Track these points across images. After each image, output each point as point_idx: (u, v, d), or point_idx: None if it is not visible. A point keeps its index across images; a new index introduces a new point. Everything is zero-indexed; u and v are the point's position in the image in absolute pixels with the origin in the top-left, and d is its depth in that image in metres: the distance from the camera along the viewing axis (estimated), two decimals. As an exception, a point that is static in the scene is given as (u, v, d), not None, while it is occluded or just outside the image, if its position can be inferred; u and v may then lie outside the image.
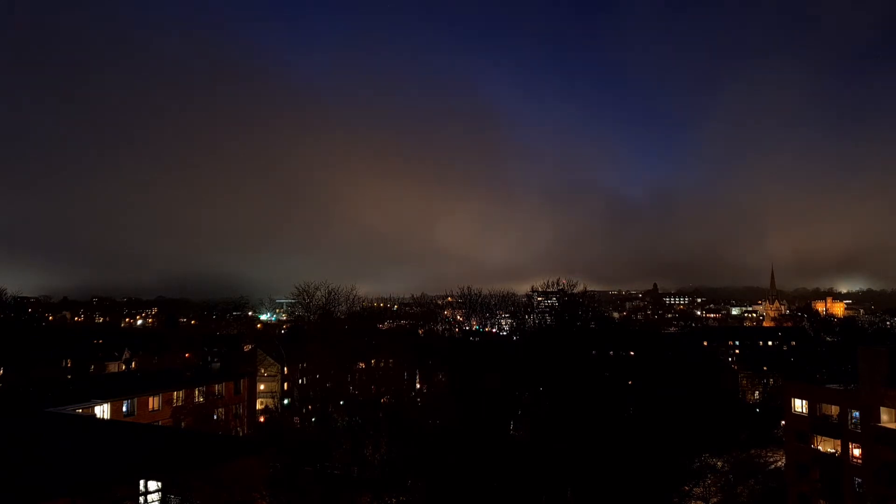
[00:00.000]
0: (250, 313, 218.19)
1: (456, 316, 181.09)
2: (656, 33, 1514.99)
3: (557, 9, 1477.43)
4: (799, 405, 72.31)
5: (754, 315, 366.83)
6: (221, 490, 30.79)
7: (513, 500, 50.11)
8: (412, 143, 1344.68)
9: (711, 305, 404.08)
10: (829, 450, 68.60)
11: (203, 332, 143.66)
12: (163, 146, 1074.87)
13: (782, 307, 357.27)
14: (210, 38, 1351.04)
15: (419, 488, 49.53)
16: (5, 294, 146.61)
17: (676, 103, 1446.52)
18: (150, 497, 32.24)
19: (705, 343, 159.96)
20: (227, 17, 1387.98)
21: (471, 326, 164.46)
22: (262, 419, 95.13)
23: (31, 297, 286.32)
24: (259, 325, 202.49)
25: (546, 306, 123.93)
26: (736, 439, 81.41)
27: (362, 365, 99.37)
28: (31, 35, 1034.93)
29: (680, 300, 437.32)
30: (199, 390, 79.84)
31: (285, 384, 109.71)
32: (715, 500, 67.90)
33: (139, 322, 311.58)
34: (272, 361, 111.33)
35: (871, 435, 62.33)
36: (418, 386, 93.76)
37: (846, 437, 66.02)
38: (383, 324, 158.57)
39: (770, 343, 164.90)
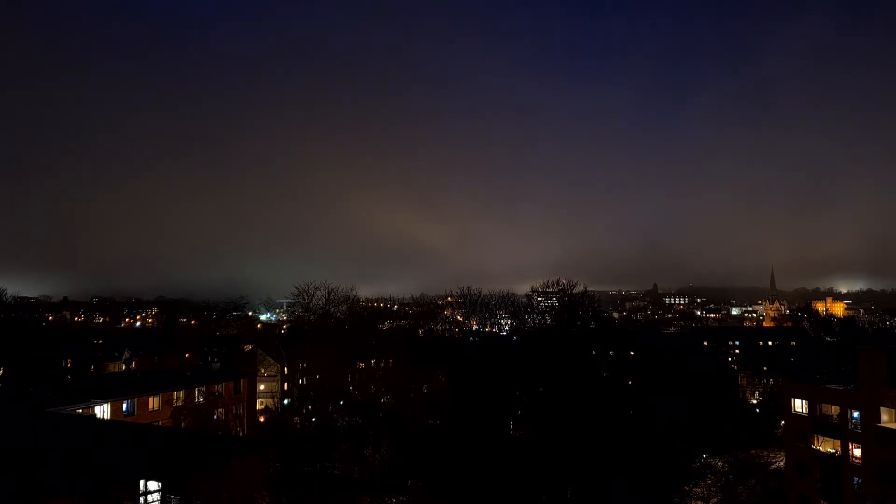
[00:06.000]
0: (250, 313, 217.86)
1: (456, 316, 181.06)
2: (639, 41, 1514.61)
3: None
4: (799, 405, 72.17)
5: (754, 315, 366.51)
6: (221, 490, 30.80)
7: (513, 499, 50.13)
8: (412, 144, 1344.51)
9: (711, 305, 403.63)
10: (829, 450, 68.48)
11: (203, 332, 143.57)
12: (163, 148, 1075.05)
13: (782, 307, 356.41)
14: (211, 43, 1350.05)
15: (419, 489, 49.55)
16: (5, 294, 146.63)
17: (676, 105, 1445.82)
18: (150, 497, 32.23)
19: (705, 343, 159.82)
20: (230, 22, 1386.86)
21: (471, 326, 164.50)
22: (262, 419, 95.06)
23: (31, 298, 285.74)
24: (259, 325, 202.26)
25: (546, 306, 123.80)
26: (736, 439, 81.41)
27: (362, 365, 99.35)
28: (33, 36, 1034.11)
29: (680, 300, 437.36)
30: (199, 390, 79.63)
31: (285, 384, 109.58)
32: (715, 500, 67.94)
33: (139, 322, 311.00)
34: (272, 361, 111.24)
35: (871, 435, 62.25)
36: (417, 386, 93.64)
37: (846, 437, 65.89)
38: (383, 324, 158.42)
39: (770, 343, 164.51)
